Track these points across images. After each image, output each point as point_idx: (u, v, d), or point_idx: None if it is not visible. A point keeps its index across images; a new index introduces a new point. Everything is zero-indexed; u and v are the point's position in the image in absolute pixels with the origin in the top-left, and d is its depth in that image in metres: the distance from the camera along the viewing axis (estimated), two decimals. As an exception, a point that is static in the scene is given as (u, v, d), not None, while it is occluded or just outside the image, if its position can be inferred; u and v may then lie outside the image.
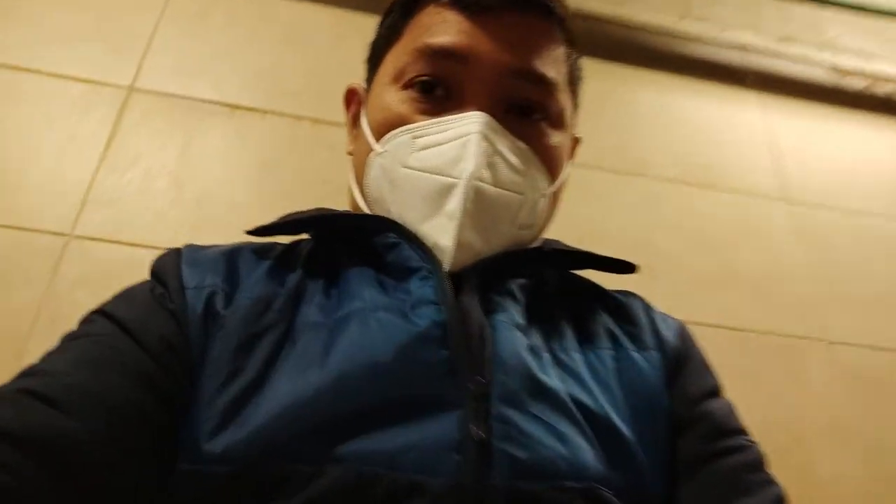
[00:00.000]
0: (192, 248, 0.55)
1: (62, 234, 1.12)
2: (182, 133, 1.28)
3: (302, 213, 0.60)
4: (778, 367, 1.26)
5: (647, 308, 0.61)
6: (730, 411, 0.56)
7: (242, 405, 0.43)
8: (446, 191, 0.51)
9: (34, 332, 1.03)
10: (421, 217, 0.51)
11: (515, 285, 0.53)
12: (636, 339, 0.56)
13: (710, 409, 0.54)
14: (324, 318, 0.48)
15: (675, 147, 1.52)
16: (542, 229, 0.60)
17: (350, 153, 0.62)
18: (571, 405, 0.46)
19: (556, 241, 0.63)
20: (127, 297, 0.51)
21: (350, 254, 0.54)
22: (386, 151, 0.54)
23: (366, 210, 0.57)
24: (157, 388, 0.44)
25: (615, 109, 1.54)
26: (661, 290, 1.29)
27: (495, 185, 0.52)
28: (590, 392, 0.48)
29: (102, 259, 1.12)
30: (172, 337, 0.46)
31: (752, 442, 0.53)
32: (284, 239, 0.62)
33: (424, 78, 0.53)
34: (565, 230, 1.24)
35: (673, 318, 0.62)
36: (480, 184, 0.50)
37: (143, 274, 1.10)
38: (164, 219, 1.18)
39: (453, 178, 0.50)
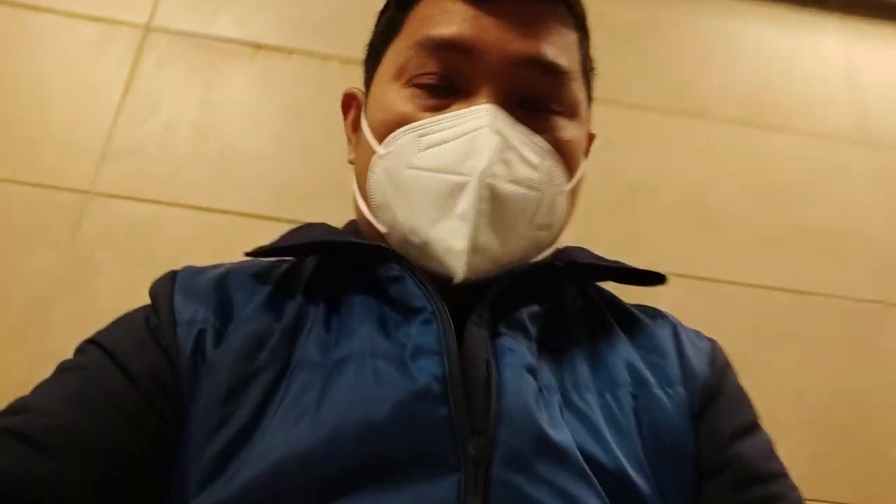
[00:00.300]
0: (188, 273, 0.52)
1: (82, 192, 1.07)
2: (203, 77, 1.20)
3: (301, 232, 0.56)
4: (847, 335, 1.15)
5: (676, 331, 0.55)
6: (766, 451, 0.50)
7: (231, 456, 0.41)
8: (457, 190, 0.46)
9: (59, 298, 1.00)
10: (430, 221, 0.47)
11: (528, 314, 0.48)
12: (660, 373, 0.50)
13: (742, 450, 0.48)
14: (321, 356, 0.45)
15: (739, 84, 1.36)
16: (561, 230, 0.54)
17: (351, 162, 0.58)
18: (582, 462, 0.41)
19: (579, 250, 0.58)
20: (122, 325, 0.50)
21: (354, 278, 0.51)
22: (389, 153, 0.50)
23: (370, 218, 0.52)
24: (144, 429, 0.43)
25: (670, 41, 1.38)
26: (719, 247, 1.19)
27: (510, 182, 0.47)
28: (604, 443, 0.44)
29: (124, 216, 1.07)
30: (163, 375, 0.45)
31: (791, 487, 0.48)
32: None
33: (428, 73, 0.50)
34: (613, 180, 1.15)
35: (704, 339, 0.56)
36: (494, 181, 0.46)
37: (165, 234, 1.09)
38: (186, 173, 1.12)
39: (464, 176, 0.46)
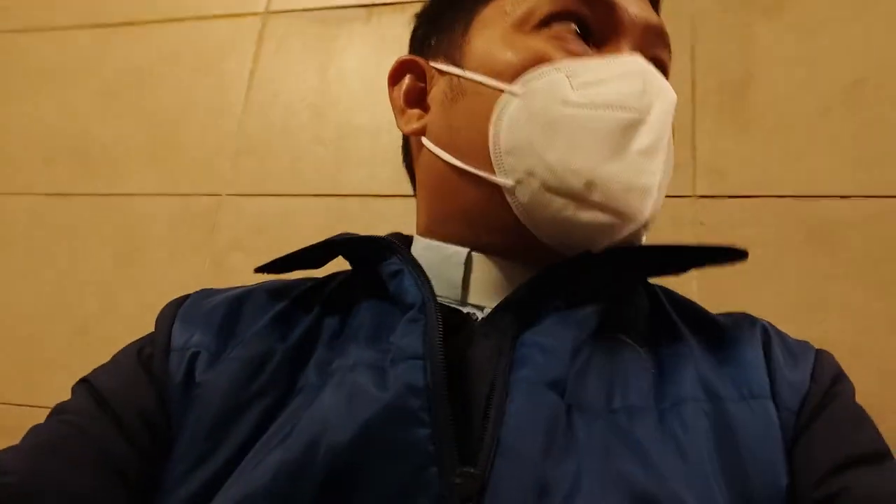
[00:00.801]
0: (198, 297, 0.50)
1: (216, 195, 1.07)
2: (318, 53, 1.12)
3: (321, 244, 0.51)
4: None
5: (769, 337, 0.45)
6: (892, 491, 0.35)
7: (205, 499, 0.36)
8: (633, 127, 0.42)
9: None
10: (601, 159, 0.41)
11: (577, 315, 0.41)
12: (740, 384, 0.41)
13: (855, 483, 0.36)
14: (318, 378, 0.41)
15: None
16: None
17: (414, 132, 0.52)
18: (625, 495, 0.32)
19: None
20: (116, 361, 0.48)
21: (366, 284, 0.48)
22: (531, 91, 0.44)
23: (482, 174, 0.45)
24: (126, 477, 0.40)
25: None
26: None
27: (667, 132, 0.45)
28: (655, 471, 0.34)
29: (254, 215, 1.04)
30: (152, 413, 0.43)
31: None
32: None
33: (567, 17, 0.46)
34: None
35: (810, 348, 0.45)
36: (664, 127, 0.43)
37: (293, 227, 1.05)
38: (306, 162, 1.05)
39: (640, 112, 0.43)
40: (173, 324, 0.47)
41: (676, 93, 0.46)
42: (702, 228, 0.85)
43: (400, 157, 0.61)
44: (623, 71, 0.44)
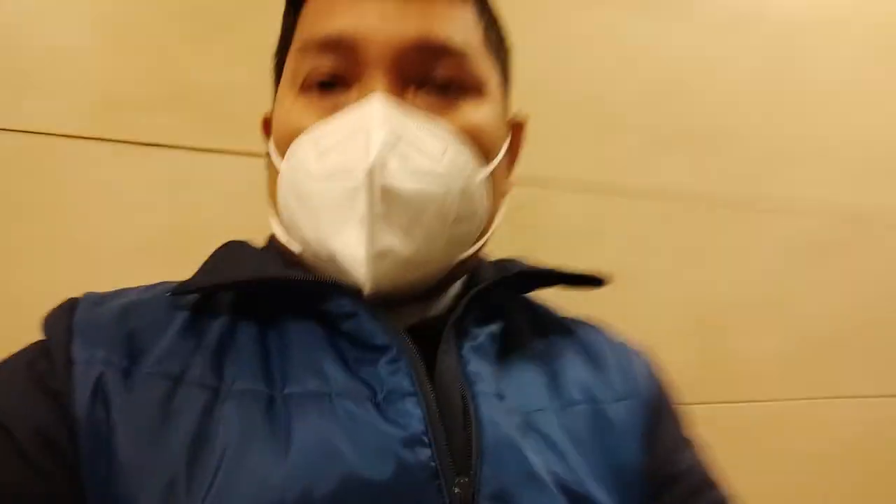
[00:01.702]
0: (89, 304, 0.45)
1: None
2: None
3: (227, 259, 0.51)
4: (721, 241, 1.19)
5: (611, 341, 0.57)
6: (705, 459, 0.54)
7: None
8: (352, 194, 0.42)
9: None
10: (334, 231, 0.43)
11: (487, 335, 0.48)
12: (609, 387, 0.52)
13: (691, 460, 0.53)
14: (266, 386, 0.42)
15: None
16: (489, 222, 0.51)
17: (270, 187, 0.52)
18: (555, 486, 0.42)
19: (513, 262, 0.55)
20: (1, 374, 0.43)
21: (290, 303, 0.47)
22: (290, 166, 0.46)
23: (284, 239, 0.49)
24: (25, 500, 0.37)
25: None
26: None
27: (408, 176, 0.43)
28: (568, 464, 0.44)
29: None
30: (51, 430, 0.39)
31: (728, 493, 0.52)
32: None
33: (317, 74, 0.47)
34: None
35: (639, 351, 0.58)
36: (386, 179, 0.42)
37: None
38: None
39: (356, 177, 0.42)
40: (71, 331, 0.43)
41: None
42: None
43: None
44: (351, 128, 0.44)
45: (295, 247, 0.48)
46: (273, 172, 0.50)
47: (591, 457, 0.46)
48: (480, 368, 0.45)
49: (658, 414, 0.53)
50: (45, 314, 0.45)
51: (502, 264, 0.55)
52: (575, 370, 0.51)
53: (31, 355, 0.43)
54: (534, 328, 0.54)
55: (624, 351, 0.57)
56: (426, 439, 0.39)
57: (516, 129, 0.57)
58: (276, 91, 0.53)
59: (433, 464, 0.39)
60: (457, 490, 0.39)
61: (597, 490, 0.44)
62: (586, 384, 0.50)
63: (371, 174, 0.41)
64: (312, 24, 0.47)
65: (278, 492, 0.36)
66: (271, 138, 0.51)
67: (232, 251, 0.52)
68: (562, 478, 0.43)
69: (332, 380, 0.42)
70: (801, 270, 1.25)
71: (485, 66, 0.49)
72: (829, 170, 1.28)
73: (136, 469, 0.38)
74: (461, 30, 0.47)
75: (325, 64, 0.46)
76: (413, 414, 0.40)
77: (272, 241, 0.53)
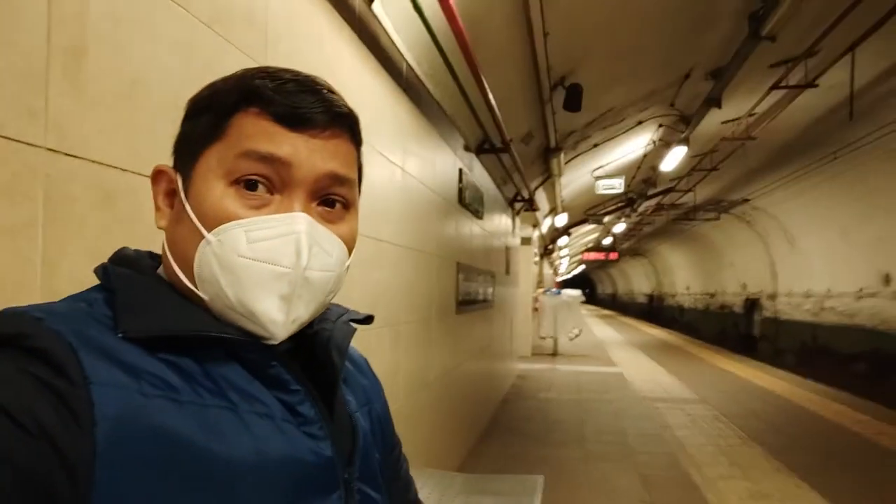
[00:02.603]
0: (61, 320, 0.53)
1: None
2: None
3: (150, 303, 0.60)
4: None
5: (364, 360, 0.87)
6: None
7: None
8: (280, 278, 0.60)
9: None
10: (257, 298, 0.60)
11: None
12: (374, 393, 0.83)
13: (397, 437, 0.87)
14: (195, 397, 0.56)
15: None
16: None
17: (163, 228, 0.66)
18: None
19: (330, 307, 0.75)
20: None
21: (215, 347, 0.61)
22: (219, 241, 0.60)
23: (190, 286, 0.62)
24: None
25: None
26: None
27: (317, 270, 0.63)
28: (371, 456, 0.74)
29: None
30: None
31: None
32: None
33: (253, 178, 0.61)
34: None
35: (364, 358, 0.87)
36: (308, 272, 0.61)
37: None
38: None
39: (285, 268, 0.60)
40: (76, 352, 0.50)
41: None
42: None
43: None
44: (281, 231, 0.60)
45: (204, 296, 0.61)
46: (188, 229, 0.62)
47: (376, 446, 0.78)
48: (345, 389, 0.74)
49: (387, 411, 0.85)
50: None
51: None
52: (357, 384, 0.79)
53: (27, 364, 0.49)
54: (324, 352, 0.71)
55: (366, 364, 0.87)
56: (327, 443, 0.63)
57: None
58: (185, 164, 0.64)
59: (332, 459, 0.63)
60: (346, 475, 0.65)
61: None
62: (365, 391, 0.80)
63: (300, 269, 0.60)
64: (255, 141, 0.61)
65: (279, 454, 0.59)
66: (184, 199, 0.63)
67: (151, 286, 0.62)
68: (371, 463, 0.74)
69: (272, 406, 0.61)
70: None
71: (356, 191, 0.69)
72: None
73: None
74: (350, 165, 0.67)
75: (262, 171, 0.61)
76: (319, 433, 0.63)
77: (159, 263, 0.67)
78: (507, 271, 8.89)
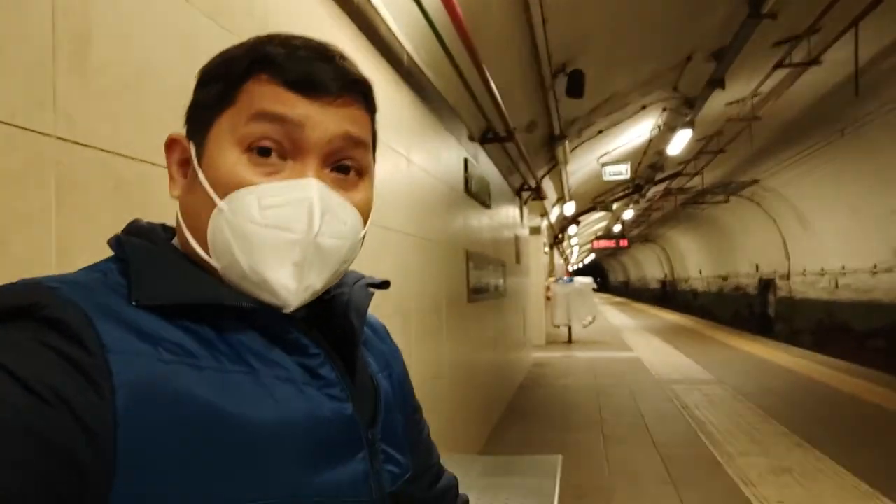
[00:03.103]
0: (74, 290, 0.52)
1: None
2: None
3: (166, 269, 0.60)
4: None
5: (384, 327, 0.88)
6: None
7: None
8: (292, 245, 0.60)
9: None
10: (270, 265, 0.60)
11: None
12: (393, 358, 0.84)
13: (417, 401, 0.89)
14: (216, 363, 0.56)
15: None
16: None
17: (176, 197, 0.66)
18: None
19: (350, 273, 0.74)
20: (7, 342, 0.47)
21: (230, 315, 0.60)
22: (231, 208, 0.60)
23: (204, 255, 0.62)
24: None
25: None
26: None
27: (329, 237, 0.61)
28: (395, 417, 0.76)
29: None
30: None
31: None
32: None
33: (266, 143, 0.60)
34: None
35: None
36: (318, 238, 0.60)
37: None
38: None
39: (297, 234, 0.59)
40: (91, 321, 0.49)
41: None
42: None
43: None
44: (294, 198, 0.59)
45: (217, 265, 0.61)
46: (200, 198, 0.61)
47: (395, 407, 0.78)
48: (367, 359, 0.75)
49: (409, 384, 0.88)
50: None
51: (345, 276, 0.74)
52: (377, 349, 0.81)
53: (38, 334, 0.48)
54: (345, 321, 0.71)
55: (385, 329, 0.88)
56: (349, 404, 0.64)
57: None
58: (200, 131, 0.63)
59: (354, 419, 0.64)
60: (370, 435, 0.66)
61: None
62: (385, 357, 0.82)
63: (312, 236, 0.59)
64: (268, 103, 0.60)
65: (295, 415, 0.58)
66: (197, 168, 0.62)
67: (164, 255, 0.61)
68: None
69: (293, 371, 0.60)
70: None
71: (371, 157, 0.68)
72: None
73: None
74: (365, 129, 0.66)
75: (275, 133, 0.60)
76: (340, 395, 0.63)
77: (172, 234, 0.66)
78: (518, 261, 8.92)
